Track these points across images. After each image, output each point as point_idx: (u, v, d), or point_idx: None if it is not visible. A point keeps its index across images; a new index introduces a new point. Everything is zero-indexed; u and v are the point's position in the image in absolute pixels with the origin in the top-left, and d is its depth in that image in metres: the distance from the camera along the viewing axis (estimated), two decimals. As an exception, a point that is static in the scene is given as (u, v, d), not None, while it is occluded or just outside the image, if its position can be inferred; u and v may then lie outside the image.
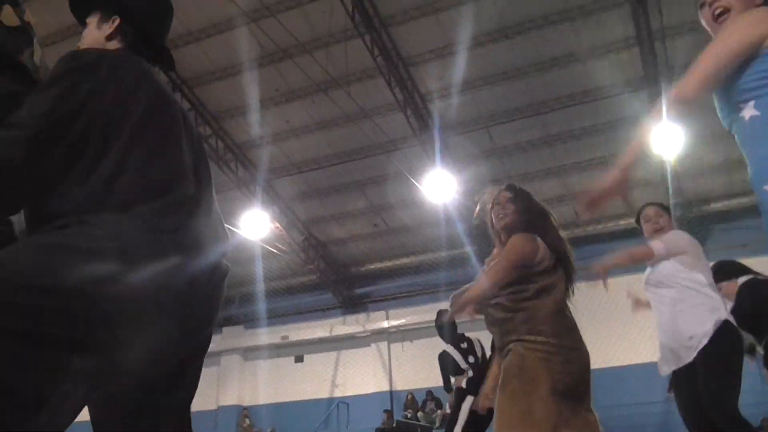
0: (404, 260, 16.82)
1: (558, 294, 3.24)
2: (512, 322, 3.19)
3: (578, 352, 3.15)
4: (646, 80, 12.26)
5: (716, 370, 4.01)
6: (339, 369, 17.81)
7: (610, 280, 3.99)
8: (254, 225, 14.66)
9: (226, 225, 1.97)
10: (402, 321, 17.02)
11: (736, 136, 2.21)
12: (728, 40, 2.13)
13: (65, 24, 10.47)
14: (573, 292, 3.40)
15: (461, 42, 12.20)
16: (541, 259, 3.25)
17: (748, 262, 5.52)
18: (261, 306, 17.99)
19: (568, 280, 3.36)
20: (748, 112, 2.11)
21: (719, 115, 2.28)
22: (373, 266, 17.42)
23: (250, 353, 18.54)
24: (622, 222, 14.30)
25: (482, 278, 2.93)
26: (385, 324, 17.29)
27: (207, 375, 18.63)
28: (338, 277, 17.63)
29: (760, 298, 4.85)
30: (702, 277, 4.25)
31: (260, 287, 17.78)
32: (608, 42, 12.02)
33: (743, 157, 2.21)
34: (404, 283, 16.95)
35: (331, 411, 17.13)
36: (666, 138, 10.60)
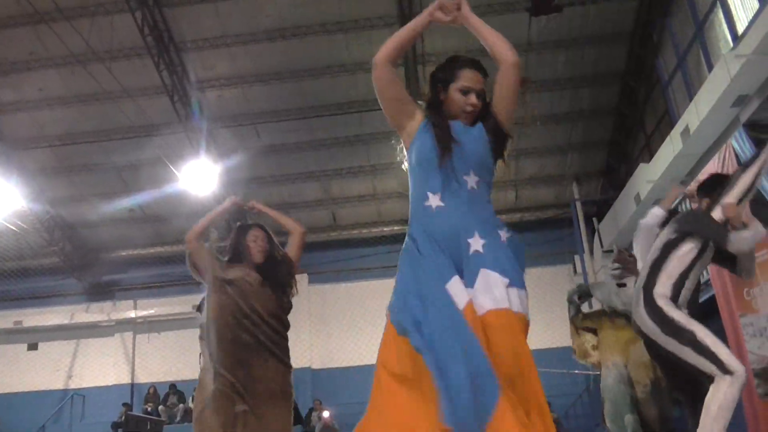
0: (158, 249, 16.16)
1: None
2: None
3: None
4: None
5: None
6: (77, 359, 16.76)
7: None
8: (-8, 198, 13.31)
9: None
10: (151, 311, 16.45)
11: None
12: None
13: None
14: None
15: (238, 35, 12.17)
16: None
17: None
18: (-8, 287, 16.48)
19: None
20: None
21: None
22: (124, 253, 16.57)
23: (-26, 338, 16.79)
24: (374, 229, 15.07)
25: None
26: (133, 314, 16.58)
27: None
28: (84, 262, 16.57)
29: None
30: None
31: (-8, 266, 16.26)
32: (376, 58, 12.58)
33: None
34: (155, 273, 16.29)
35: (65, 403, 16.09)
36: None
